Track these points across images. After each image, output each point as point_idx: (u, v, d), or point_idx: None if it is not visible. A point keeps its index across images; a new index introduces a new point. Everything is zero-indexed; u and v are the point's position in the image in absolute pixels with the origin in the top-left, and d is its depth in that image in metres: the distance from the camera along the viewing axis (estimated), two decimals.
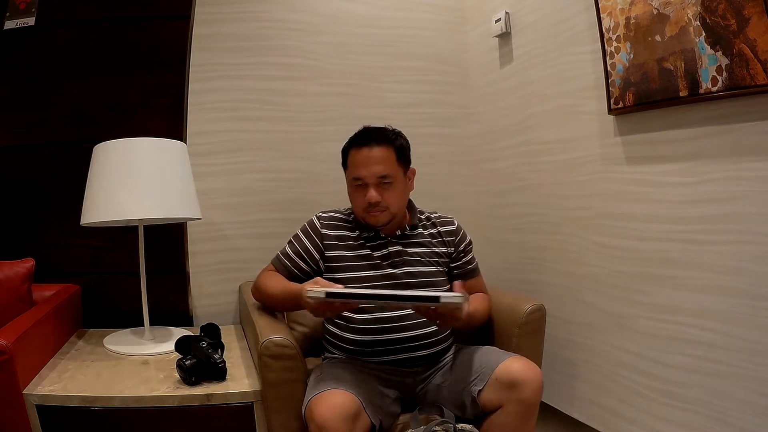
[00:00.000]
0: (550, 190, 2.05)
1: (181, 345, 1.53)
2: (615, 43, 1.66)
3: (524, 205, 2.20)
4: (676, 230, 1.54)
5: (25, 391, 1.38)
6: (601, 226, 1.81)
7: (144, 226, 1.84)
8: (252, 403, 1.44)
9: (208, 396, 1.42)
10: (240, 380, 1.50)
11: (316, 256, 1.54)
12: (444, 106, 2.48)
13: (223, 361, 1.49)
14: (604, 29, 1.69)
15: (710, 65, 1.37)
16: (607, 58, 1.69)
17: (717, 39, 1.35)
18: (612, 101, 1.69)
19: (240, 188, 2.21)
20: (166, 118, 2.10)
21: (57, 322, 1.72)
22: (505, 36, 2.24)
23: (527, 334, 1.59)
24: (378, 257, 1.53)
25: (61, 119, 2.04)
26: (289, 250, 1.57)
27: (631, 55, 1.61)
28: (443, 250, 1.60)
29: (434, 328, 1.50)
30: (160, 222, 1.93)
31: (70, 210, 1.82)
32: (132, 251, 1.89)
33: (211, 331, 1.65)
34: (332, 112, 2.33)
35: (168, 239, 2.10)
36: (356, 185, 1.50)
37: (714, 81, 1.37)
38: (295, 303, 1.41)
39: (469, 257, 1.64)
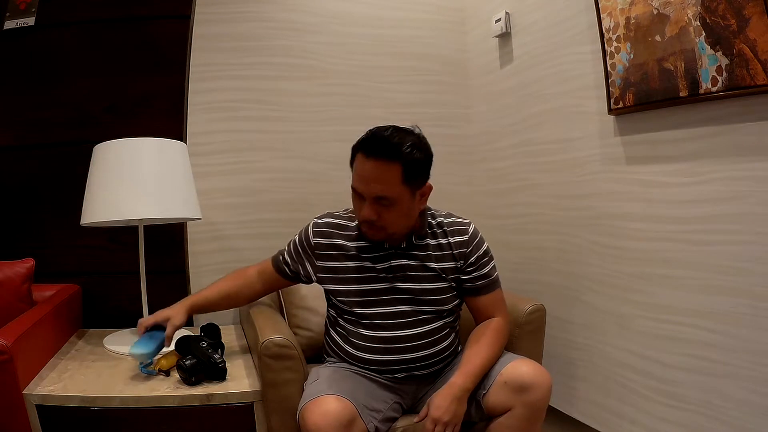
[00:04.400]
0: (550, 190, 2.05)
1: (181, 345, 1.53)
2: (615, 43, 1.66)
3: (524, 205, 2.20)
4: (676, 230, 1.54)
5: (25, 391, 1.38)
6: (601, 226, 1.81)
7: (144, 226, 1.84)
8: (252, 403, 1.44)
9: (208, 396, 1.42)
10: (240, 380, 1.50)
11: (309, 268, 1.48)
12: (444, 106, 2.48)
13: (223, 361, 1.49)
14: (604, 29, 1.69)
15: (710, 65, 1.37)
16: (607, 58, 1.69)
17: (717, 39, 1.35)
18: (612, 101, 1.69)
19: (240, 188, 2.21)
20: (166, 118, 2.10)
21: (57, 322, 1.72)
22: (505, 36, 2.24)
23: (527, 334, 1.59)
24: (380, 269, 1.40)
25: (61, 119, 2.04)
26: (286, 255, 1.53)
27: (631, 55, 1.61)
28: (450, 264, 1.42)
29: (442, 345, 1.42)
30: (160, 222, 1.93)
31: (70, 210, 1.82)
32: (132, 251, 1.89)
33: (211, 331, 1.64)
34: (332, 112, 2.33)
35: (168, 239, 2.10)
36: (356, 195, 1.35)
37: (714, 81, 1.37)
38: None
39: (482, 271, 1.43)
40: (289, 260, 1.52)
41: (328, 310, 1.55)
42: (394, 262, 1.40)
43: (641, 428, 1.68)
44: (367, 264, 1.41)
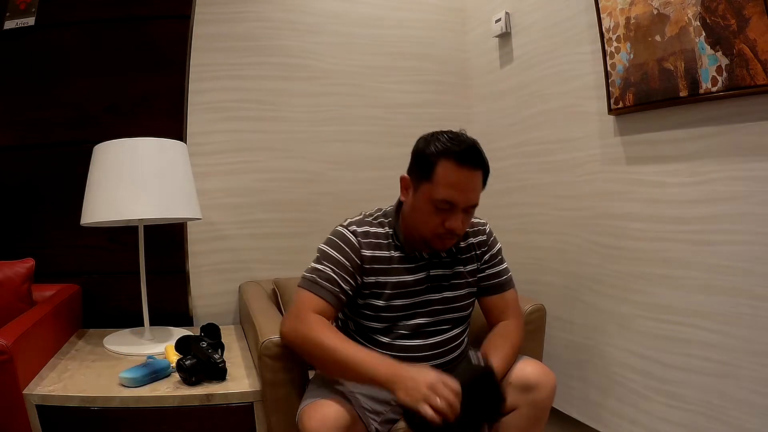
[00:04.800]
0: (550, 190, 2.05)
1: (181, 345, 1.53)
2: (615, 43, 1.66)
3: (524, 205, 2.20)
4: (676, 230, 1.54)
5: (25, 391, 1.38)
6: (601, 226, 1.81)
7: (144, 226, 1.84)
8: (252, 403, 1.44)
9: (208, 396, 1.42)
10: (240, 380, 1.50)
11: (358, 279, 1.30)
12: (444, 106, 2.48)
13: (223, 361, 1.49)
14: (604, 29, 1.69)
15: (710, 65, 1.37)
16: (607, 58, 1.69)
17: (717, 39, 1.35)
18: (612, 101, 1.69)
19: (240, 188, 2.21)
20: (166, 118, 2.10)
21: (57, 322, 1.72)
22: (505, 36, 2.24)
23: (527, 334, 1.58)
24: (414, 282, 1.33)
25: (61, 119, 2.04)
26: (327, 270, 1.27)
27: (631, 55, 1.61)
28: (472, 266, 1.39)
29: (457, 353, 1.38)
30: (160, 222, 1.93)
31: (70, 210, 1.82)
32: (132, 251, 1.89)
33: (212, 331, 1.65)
34: (332, 112, 2.33)
35: (168, 239, 2.10)
36: (440, 207, 1.24)
37: (714, 81, 1.37)
38: (369, 381, 1.13)
39: (496, 269, 1.41)
40: (343, 284, 1.27)
41: (344, 320, 1.42)
42: (433, 272, 1.35)
43: (641, 428, 1.68)
44: (405, 277, 1.33)
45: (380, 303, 1.31)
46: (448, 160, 1.22)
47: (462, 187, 1.23)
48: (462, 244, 1.39)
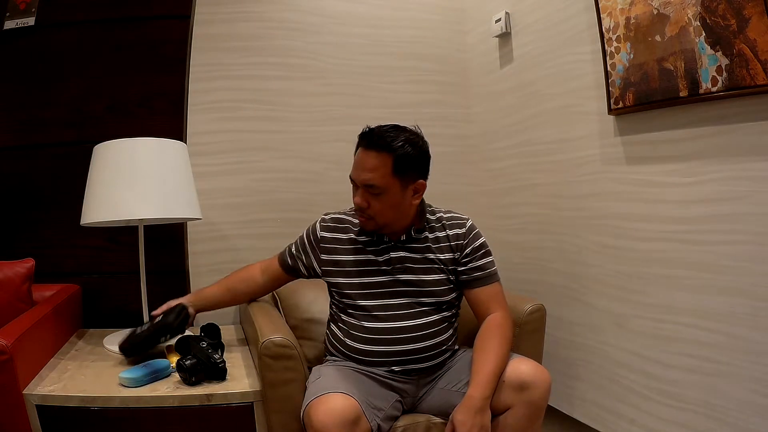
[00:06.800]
0: (550, 190, 2.05)
1: (181, 345, 1.53)
2: (615, 43, 1.66)
3: (524, 205, 2.20)
4: (676, 230, 1.54)
5: (25, 391, 1.38)
6: (601, 226, 1.81)
7: (144, 226, 1.84)
8: (252, 403, 1.44)
9: (208, 396, 1.42)
10: (240, 380, 1.50)
11: (313, 261, 1.54)
12: (444, 106, 2.48)
13: (223, 361, 1.49)
14: (604, 29, 1.69)
15: (710, 65, 1.37)
16: (607, 58, 1.69)
17: (717, 39, 1.35)
18: (612, 101, 1.69)
19: (240, 188, 2.21)
20: (166, 118, 2.10)
21: (57, 322, 1.72)
22: (505, 36, 2.24)
23: (527, 334, 1.59)
24: (381, 262, 1.46)
25: (61, 119, 2.04)
26: (293, 248, 1.60)
27: (631, 55, 1.61)
28: (449, 256, 1.47)
29: (439, 339, 1.44)
30: (160, 222, 1.93)
31: (70, 210, 1.82)
32: (132, 251, 1.89)
33: (211, 331, 1.64)
34: (332, 112, 2.33)
35: (168, 239, 2.09)
36: (353, 185, 1.45)
37: (714, 81, 1.37)
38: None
39: (478, 263, 1.47)
40: (295, 253, 1.59)
41: (330, 307, 1.58)
42: (393, 254, 1.46)
43: (641, 428, 1.68)
44: (370, 257, 1.47)
45: (342, 280, 1.48)
46: (358, 143, 1.43)
47: (358, 165, 1.41)
48: (430, 234, 1.49)
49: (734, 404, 1.40)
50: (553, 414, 2.01)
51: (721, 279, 1.42)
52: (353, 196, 1.44)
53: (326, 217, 1.57)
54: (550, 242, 2.06)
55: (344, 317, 1.49)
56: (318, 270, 1.54)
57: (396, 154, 1.37)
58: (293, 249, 1.60)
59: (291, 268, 1.60)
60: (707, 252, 1.46)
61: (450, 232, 1.49)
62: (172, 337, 1.58)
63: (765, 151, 1.30)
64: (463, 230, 1.49)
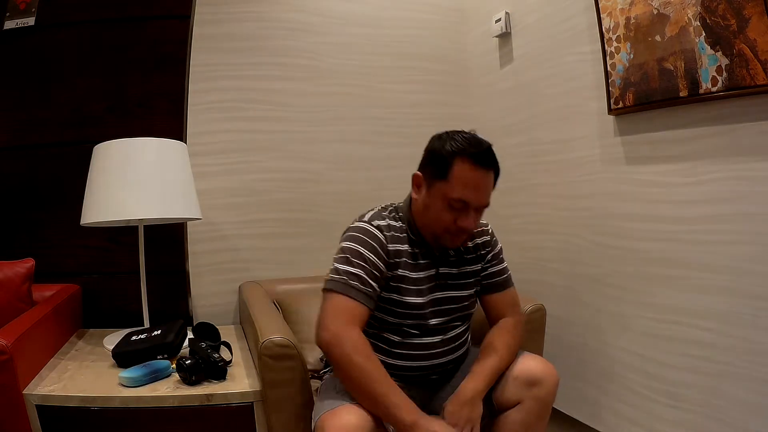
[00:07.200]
0: (550, 190, 2.05)
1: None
2: (615, 43, 1.66)
3: (524, 205, 2.20)
4: (676, 230, 1.54)
5: (25, 391, 1.38)
6: (601, 226, 1.81)
7: (144, 226, 1.84)
8: (252, 403, 1.44)
9: (208, 396, 1.42)
10: (240, 380, 1.50)
11: (387, 275, 1.29)
12: (444, 106, 2.48)
13: (223, 361, 1.49)
14: (604, 29, 1.69)
15: (710, 65, 1.37)
16: (607, 58, 1.69)
17: (717, 39, 1.35)
18: (612, 101, 1.69)
19: (240, 188, 2.21)
20: (166, 118, 2.10)
21: (57, 322, 1.72)
22: (505, 36, 2.24)
23: (527, 333, 1.58)
24: (426, 278, 1.34)
25: (61, 119, 2.04)
26: (358, 271, 1.23)
27: (631, 55, 1.61)
28: (478, 266, 1.40)
29: (464, 349, 1.41)
30: (160, 222, 1.93)
31: (70, 210, 1.82)
32: (132, 251, 1.89)
33: (205, 330, 1.64)
34: (332, 112, 2.33)
35: (168, 239, 2.09)
36: (453, 206, 1.25)
37: (714, 81, 1.37)
38: (384, 416, 1.14)
39: (496, 268, 1.42)
40: (372, 282, 1.25)
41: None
42: (441, 270, 1.37)
43: (641, 428, 1.68)
44: (419, 273, 1.34)
45: (396, 297, 1.31)
46: (464, 160, 1.23)
47: (476, 187, 1.25)
48: (469, 245, 1.40)
49: (734, 404, 1.40)
50: (553, 414, 1.99)
51: (721, 279, 1.42)
52: (448, 217, 1.26)
53: (381, 224, 1.31)
54: (550, 242, 2.06)
55: (385, 334, 1.35)
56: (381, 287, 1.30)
57: (497, 170, 1.28)
58: (367, 283, 1.23)
59: (374, 304, 1.28)
60: (707, 252, 1.46)
61: (479, 240, 1.42)
62: (169, 357, 1.55)
63: (765, 151, 1.30)
64: (488, 237, 1.43)
